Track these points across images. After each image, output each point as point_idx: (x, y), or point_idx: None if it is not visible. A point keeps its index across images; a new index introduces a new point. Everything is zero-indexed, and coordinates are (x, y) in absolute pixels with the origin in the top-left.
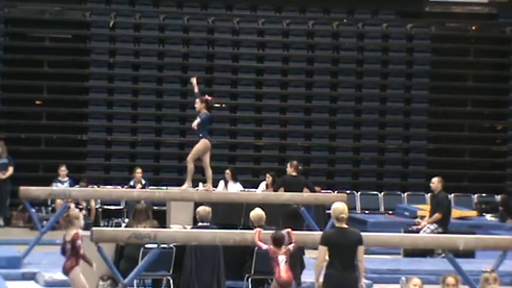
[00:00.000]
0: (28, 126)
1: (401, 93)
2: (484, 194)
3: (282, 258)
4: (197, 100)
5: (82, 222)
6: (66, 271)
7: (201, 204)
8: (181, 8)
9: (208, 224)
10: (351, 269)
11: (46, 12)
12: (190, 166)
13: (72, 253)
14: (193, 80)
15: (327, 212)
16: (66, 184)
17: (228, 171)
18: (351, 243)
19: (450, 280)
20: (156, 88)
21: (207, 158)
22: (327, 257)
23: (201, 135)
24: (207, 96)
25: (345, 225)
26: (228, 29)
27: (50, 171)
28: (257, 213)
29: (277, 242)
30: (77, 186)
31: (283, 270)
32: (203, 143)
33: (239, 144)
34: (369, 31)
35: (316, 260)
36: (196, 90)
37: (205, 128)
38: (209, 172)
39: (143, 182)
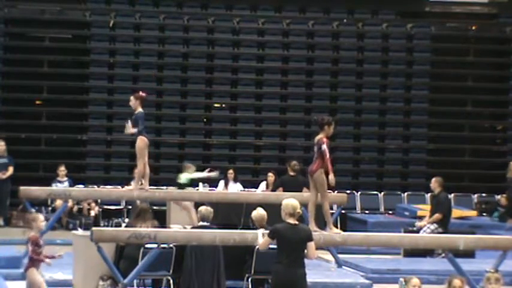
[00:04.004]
0: (28, 126)
1: (401, 93)
2: (484, 194)
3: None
4: (131, 98)
5: (41, 224)
6: (25, 270)
7: (202, 204)
8: (181, 8)
9: (208, 224)
10: (298, 264)
11: (46, 12)
12: (140, 167)
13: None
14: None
15: None
16: (65, 184)
17: (231, 171)
18: (300, 239)
19: (456, 282)
20: (156, 88)
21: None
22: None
23: (137, 132)
24: (141, 93)
25: (296, 222)
26: (228, 29)
27: (50, 171)
28: (259, 213)
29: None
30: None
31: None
32: (141, 141)
33: (239, 144)
34: (369, 31)
35: (259, 245)
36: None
37: (142, 125)
38: (147, 170)
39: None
